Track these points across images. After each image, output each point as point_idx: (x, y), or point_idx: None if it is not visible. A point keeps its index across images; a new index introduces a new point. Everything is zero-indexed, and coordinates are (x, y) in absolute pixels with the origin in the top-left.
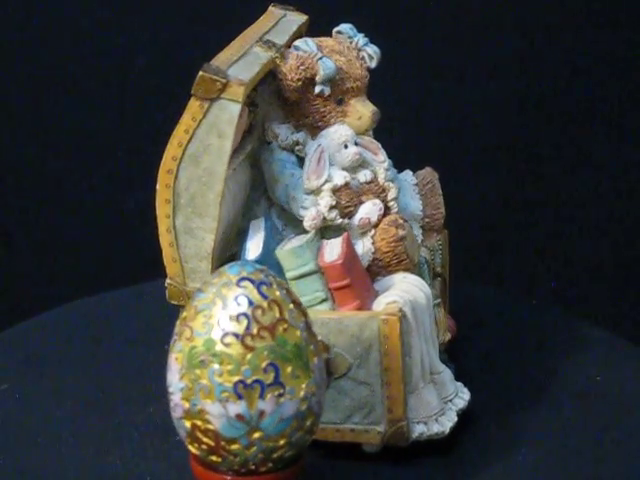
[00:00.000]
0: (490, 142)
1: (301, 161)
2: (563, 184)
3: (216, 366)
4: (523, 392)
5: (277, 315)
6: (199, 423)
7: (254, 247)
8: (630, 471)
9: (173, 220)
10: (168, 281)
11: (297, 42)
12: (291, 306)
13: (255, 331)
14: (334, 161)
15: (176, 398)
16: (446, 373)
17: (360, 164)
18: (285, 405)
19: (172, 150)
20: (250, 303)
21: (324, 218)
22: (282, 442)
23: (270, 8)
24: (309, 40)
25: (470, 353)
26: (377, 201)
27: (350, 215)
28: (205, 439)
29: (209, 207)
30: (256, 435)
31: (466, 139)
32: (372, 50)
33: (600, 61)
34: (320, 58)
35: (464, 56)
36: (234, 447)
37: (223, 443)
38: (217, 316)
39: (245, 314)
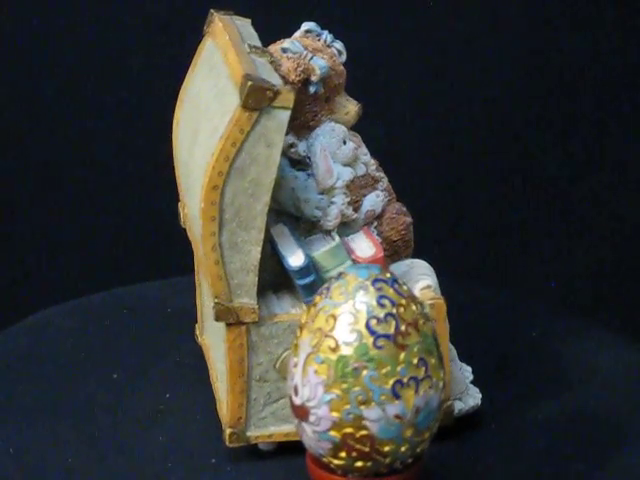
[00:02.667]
0: (489, 142)
1: (292, 163)
2: (563, 184)
3: (372, 371)
4: (523, 392)
5: (415, 310)
6: (352, 431)
7: (292, 253)
8: (633, 470)
9: (219, 237)
10: (215, 300)
11: (285, 44)
12: (416, 299)
13: (403, 329)
14: (335, 158)
15: (321, 411)
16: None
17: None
18: (433, 397)
19: (218, 166)
20: (392, 303)
21: (342, 215)
22: (427, 435)
23: (217, 15)
24: (295, 41)
25: (470, 353)
26: (379, 192)
27: (357, 209)
28: (358, 446)
29: (255, 219)
30: (409, 432)
31: (465, 138)
32: (340, 45)
33: (601, 61)
34: (311, 58)
35: (464, 56)
36: (388, 448)
37: (378, 446)
38: (363, 321)
39: (391, 314)
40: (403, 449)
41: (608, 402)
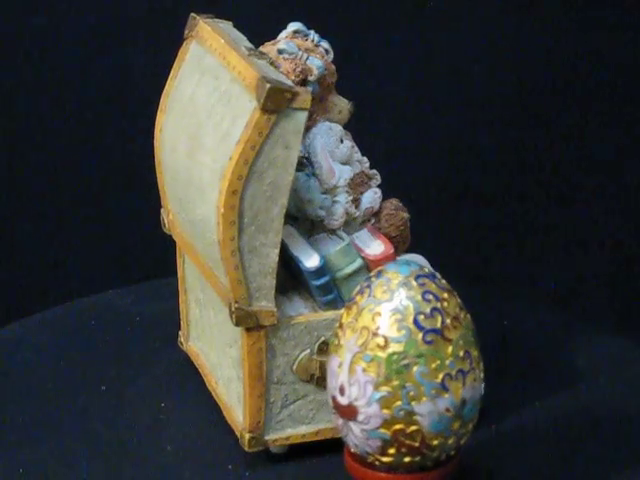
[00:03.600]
0: (489, 141)
1: None
2: (563, 184)
3: (422, 366)
4: (523, 392)
5: (456, 303)
6: (402, 427)
7: (306, 254)
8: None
9: (238, 241)
10: (236, 305)
11: (281, 45)
12: (454, 293)
13: (449, 322)
14: (333, 157)
15: (371, 409)
16: None
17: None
18: (477, 389)
19: (238, 169)
20: (436, 297)
21: (347, 214)
22: (470, 427)
23: (201, 19)
24: (290, 42)
25: None
26: (376, 189)
27: (356, 207)
28: (408, 442)
29: (273, 222)
30: (456, 425)
31: (465, 138)
32: (327, 44)
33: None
34: (307, 58)
35: (464, 55)
36: (436, 442)
37: (428, 440)
38: (411, 317)
39: (437, 309)
40: (450, 442)
41: (608, 401)
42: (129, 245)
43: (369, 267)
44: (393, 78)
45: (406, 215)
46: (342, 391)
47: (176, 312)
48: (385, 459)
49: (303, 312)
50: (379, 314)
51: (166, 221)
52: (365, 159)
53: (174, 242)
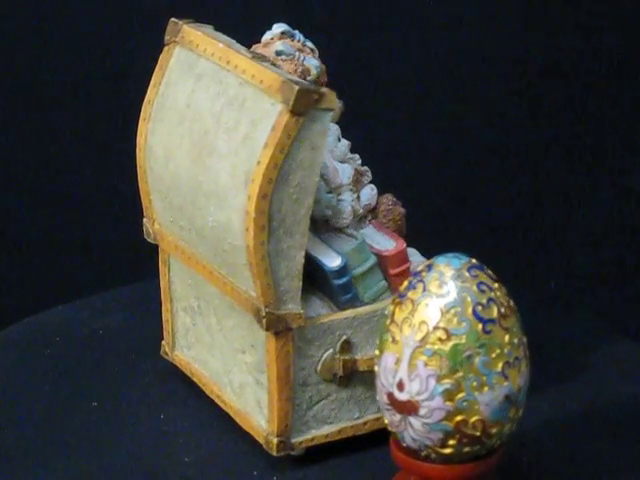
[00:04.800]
0: (490, 141)
1: None
2: (563, 184)
3: (484, 356)
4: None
5: (505, 292)
6: (465, 417)
7: (326, 254)
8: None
9: (267, 246)
10: (266, 310)
11: (279, 47)
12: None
13: (503, 312)
14: (333, 156)
15: (434, 403)
16: None
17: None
18: (527, 374)
19: (267, 173)
20: (489, 288)
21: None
22: (521, 412)
23: (185, 24)
24: (285, 43)
25: None
26: (372, 186)
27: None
28: (469, 432)
29: (299, 224)
30: (513, 412)
31: (465, 138)
32: (312, 45)
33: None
34: (304, 59)
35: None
36: (495, 430)
37: (488, 429)
38: (470, 308)
39: (492, 299)
40: (505, 429)
41: (608, 398)
42: (63, 261)
43: (381, 263)
44: (389, 73)
45: (402, 210)
46: (401, 387)
47: (139, 323)
48: (445, 450)
49: (322, 312)
50: (437, 308)
51: (151, 230)
52: (357, 156)
53: (132, 253)
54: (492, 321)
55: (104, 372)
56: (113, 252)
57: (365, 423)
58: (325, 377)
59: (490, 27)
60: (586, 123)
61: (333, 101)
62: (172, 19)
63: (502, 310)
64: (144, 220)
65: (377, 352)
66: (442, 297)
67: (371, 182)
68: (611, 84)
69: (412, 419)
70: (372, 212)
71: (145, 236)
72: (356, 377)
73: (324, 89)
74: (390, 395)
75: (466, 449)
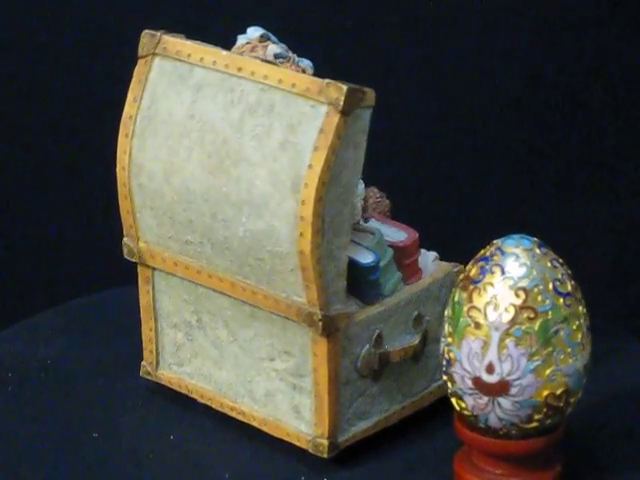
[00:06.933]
0: (490, 142)
1: None
2: (563, 183)
3: (567, 329)
4: None
5: (567, 267)
6: (552, 390)
7: (358, 251)
8: None
9: (321, 249)
10: (322, 313)
11: (276, 49)
12: None
13: (574, 284)
14: None
15: (526, 380)
16: None
17: None
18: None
19: (322, 176)
20: (559, 263)
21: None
22: (584, 382)
23: (164, 35)
24: (280, 45)
25: None
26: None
27: None
28: (555, 404)
29: (344, 224)
30: (585, 380)
31: (466, 138)
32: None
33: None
34: (298, 60)
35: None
36: (573, 399)
37: (570, 399)
38: (551, 285)
39: (564, 274)
40: (579, 397)
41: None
42: None
43: (396, 254)
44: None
45: (389, 202)
46: (490, 369)
47: (82, 348)
48: (530, 425)
49: (354, 309)
50: (522, 289)
51: (135, 250)
52: None
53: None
54: (569, 294)
55: (83, 401)
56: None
57: (394, 414)
58: (363, 373)
59: (490, 27)
60: (586, 121)
61: (373, 98)
62: (146, 31)
63: (572, 283)
64: (124, 240)
65: (449, 340)
66: (524, 277)
67: None
68: (612, 82)
69: (502, 399)
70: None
71: (126, 256)
72: (385, 370)
73: (365, 88)
74: (477, 379)
75: (548, 421)
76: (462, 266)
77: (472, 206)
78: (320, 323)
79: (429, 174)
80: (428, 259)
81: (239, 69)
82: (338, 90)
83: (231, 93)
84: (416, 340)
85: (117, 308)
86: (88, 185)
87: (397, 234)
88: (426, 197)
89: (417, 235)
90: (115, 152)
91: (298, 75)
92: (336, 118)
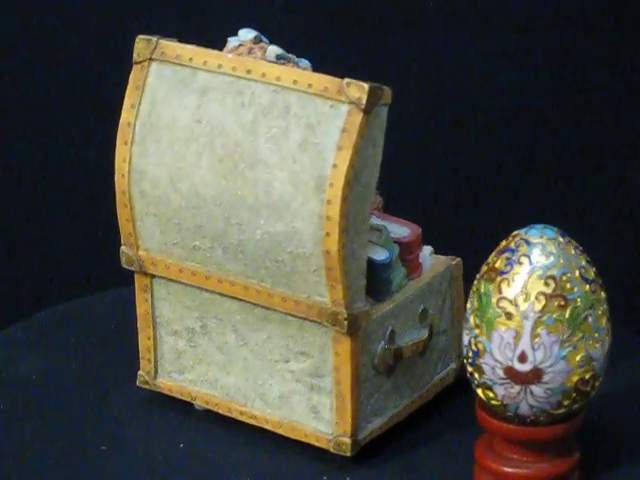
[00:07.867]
0: (491, 142)
1: None
2: (564, 184)
3: (594, 315)
4: None
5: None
6: (581, 376)
7: (371, 249)
8: None
9: (346, 248)
10: (348, 312)
11: (278, 50)
12: None
13: (596, 271)
14: None
15: (558, 367)
16: None
17: None
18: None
19: (348, 175)
20: (581, 250)
21: None
22: (606, 366)
23: (162, 40)
24: (275, 47)
25: None
26: None
27: None
28: (583, 388)
29: (364, 222)
30: (605, 364)
31: (467, 139)
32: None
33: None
34: (297, 60)
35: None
36: (597, 383)
37: (596, 382)
38: (577, 272)
39: (588, 260)
40: (601, 380)
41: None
42: None
43: (401, 250)
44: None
45: (381, 198)
46: (523, 358)
47: (65, 362)
48: (559, 411)
49: (366, 307)
50: (551, 277)
51: (135, 258)
52: None
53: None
54: (594, 281)
55: (80, 416)
56: None
57: (404, 409)
58: (379, 369)
59: (490, 27)
60: (586, 121)
61: (389, 96)
62: (140, 36)
63: (595, 269)
64: (122, 248)
65: (477, 332)
66: (552, 267)
67: None
68: (613, 81)
69: (534, 387)
70: None
71: (124, 265)
72: (397, 365)
73: (380, 84)
74: (509, 369)
75: (575, 406)
76: (460, 259)
77: (464, 200)
78: (345, 322)
79: (420, 169)
80: (425, 253)
81: (248, 71)
82: (360, 89)
83: (240, 96)
84: (425, 334)
85: (92, 317)
86: (85, 192)
87: (400, 230)
88: (412, 192)
89: (420, 230)
90: (113, 159)
91: (314, 75)
92: (359, 117)
